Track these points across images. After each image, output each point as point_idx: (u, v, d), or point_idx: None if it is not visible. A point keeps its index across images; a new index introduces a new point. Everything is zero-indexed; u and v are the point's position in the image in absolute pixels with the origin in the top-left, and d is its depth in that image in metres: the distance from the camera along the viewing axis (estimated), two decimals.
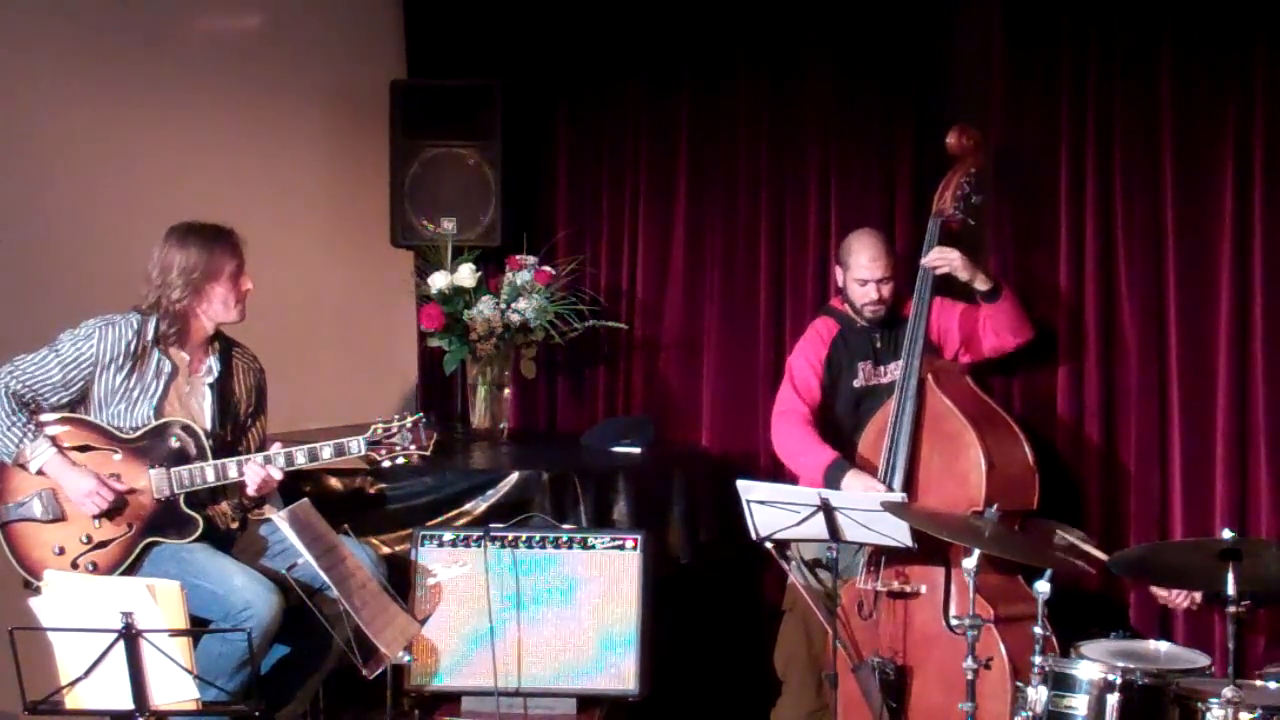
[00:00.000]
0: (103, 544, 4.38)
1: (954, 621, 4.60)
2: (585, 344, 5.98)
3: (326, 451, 4.46)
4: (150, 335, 4.43)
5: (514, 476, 5.10)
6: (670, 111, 5.95)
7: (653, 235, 6.01)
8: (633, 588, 4.72)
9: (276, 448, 4.46)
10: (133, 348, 4.41)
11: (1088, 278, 5.22)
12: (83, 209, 5.11)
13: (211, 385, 4.55)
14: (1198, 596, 4.64)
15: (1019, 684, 4.26)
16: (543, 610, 4.72)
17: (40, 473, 4.36)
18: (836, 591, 4.63)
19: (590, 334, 5.93)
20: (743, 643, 5.56)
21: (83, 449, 4.39)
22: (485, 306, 5.72)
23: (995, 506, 4.31)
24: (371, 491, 5.12)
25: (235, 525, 4.55)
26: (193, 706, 3.86)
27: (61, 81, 5.05)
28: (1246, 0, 4.96)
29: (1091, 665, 4.18)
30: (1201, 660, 4.35)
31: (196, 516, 4.42)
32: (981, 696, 4.28)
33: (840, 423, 5.12)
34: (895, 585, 4.73)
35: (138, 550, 4.39)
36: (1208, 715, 3.94)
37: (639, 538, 4.77)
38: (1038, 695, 4.13)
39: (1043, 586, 4.14)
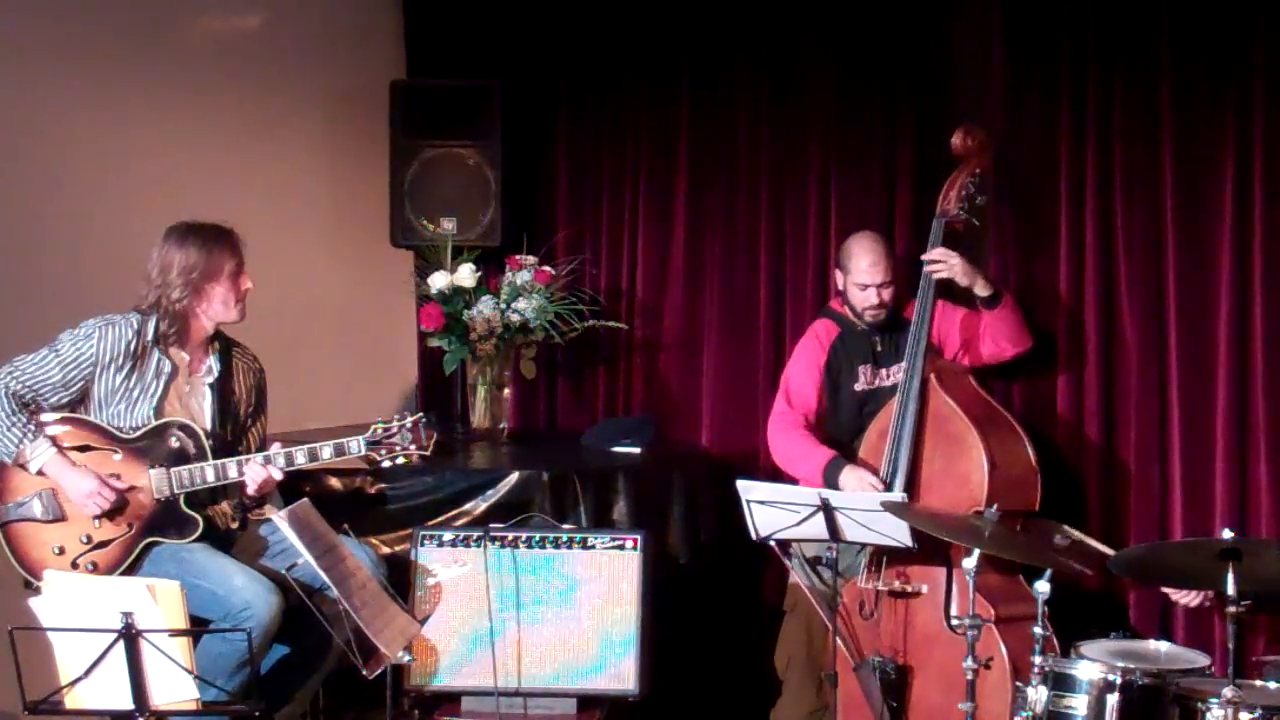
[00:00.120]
0: (103, 544, 4.38)
1: (955, 621, 4.60)
2: (585, 344, 5.98)
3: (326, 451, 4.46)
4: (150, 335, 4.43)
5: (514, 476, 5.11)
6: (670, 111, 5.95)
7: (653, 235, 6.01)
8: (633, 588, 4.72)
9: (276, 448, 4.46)
10: (133, 348, 4.41)
11: (1088, 278, 5.22)
12: (83, 209, 5.11)
13: (212, 385, 4.55)
14: (1211, 593, 4.63)
15: (1019, 684, 4.26)
16: (543, 610, 4.73)
17: (40, 473, 4.36)
18: (838, 590, 4.63)
19: (590, 334, 5.93)
20: (743, 643, 5.56)
21: (82, 449, 4.39)
22: (485, 306, 5.72)
23: (995, 506, 4.31)
24: (371, 491, 5.12)
25: (235, 525, 4.55)
26: (193, 706, 3.86)
27: (61, 82, 5.05)
28: (1246, 1, 4.96)
29: (1091, 665, 4.18)
30: (1201, 660, 4.35)
31: (196, 516, 4.42)
32: (981, 696, 4.28)
33: (844, 427, 5.12)
34: (896, 585, 4.73)
35: (138, 550, 4.39)
36: (1208, 715, 3.94)
37: (639, 538, 4.77)
38: (1038, 695, 4.13)
39: (1043, 586, 4.15)
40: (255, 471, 4.40)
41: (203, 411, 4.52)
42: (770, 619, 5.24)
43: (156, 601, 3.81)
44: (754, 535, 4.63)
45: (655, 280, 6.01)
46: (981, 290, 4.98)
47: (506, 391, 5.99)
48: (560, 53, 6.10)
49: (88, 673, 3.78)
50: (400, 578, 4.65)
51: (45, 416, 4.40)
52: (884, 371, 5.10)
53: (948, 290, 5.08)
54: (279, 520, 4.15)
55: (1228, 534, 4.00)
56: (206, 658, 4.12)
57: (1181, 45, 5.06)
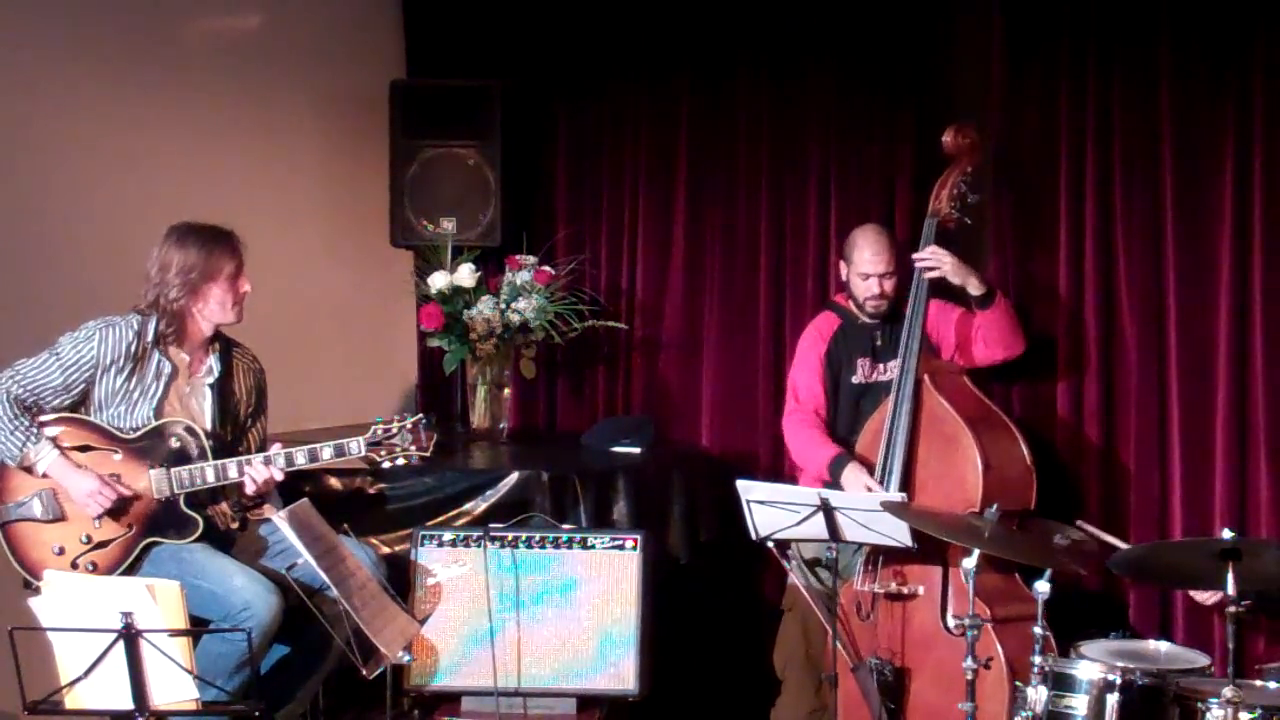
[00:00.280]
0: (102, 544, 4.38)
1: (951, 622, 4.60)
2: (585, 344, 5.98)
3: (326, 452, 4.46)
4: (150, 336, 4.43)
5: (514, 476, 5.11)
6: (670, 111, 5.95)
7: (653, 235, 6.01)
8: (633, 588, 4.73)
9: (276, 448, 4.46)
10: (133, 349, 4.41)
11: (1087, 278, 5.22)
12: (82, 210, 5.11)
13: (212, 385, 4.55)
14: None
15: (1018, 684, 4.26)
16: (542, 610, 4.73)
17: (45, 475, 4.36)
18: (836, 591, 4.63)
19: (590, 334, 5.93)
20: (743, 643, 5.56)
21: (83, 449, 4.39)
22: (485, 306, 5.72)
23: (995, 506, 4.31)
24: (371, 491, 5.12)
25: (235, 525, 4.55)
26: (193, 706, 3.86)
27: (61, 82, 5.05)
28: (1246, 1, 4.96)
29: (1091, 665, 4.18)
30: (1201, 660, 4.36)
31: (196, 516, 4.42)
32: (979, 697, 4.27)
33: (841, 419, 5.12)
34: (893, 586, 4.73)
35: (138, 550, 4.39)
36: (1207, 715, 3.94)
37: (639, 538, 4.78)
38: (1038, 695, 4.13)
39: (1043, 586, 4.14)
40: (256, 472, 4.40)
41: (203, 412, 4.52)
42: (770, 619, 5.25)
43: (156, 601, 3.80)
44: (754, 535, 4.63)
45: (655, 280, 6.01)
46: (974, 289, 4.96)
47: (506, 391, 5.99)
48: (560, 53, 6.10)
49: (88, 673, 3.78)
50: (400, 578, 4.65)
51: (45, 417, 4.39)
52: (882, 366, 5.10)
53: (945, 290, 5.08)
54: (279, 520, 4.15)
55: (1228, 534, 3.99)
56: (206, 658, 4.12)
57: (1181, 44, 5.06)
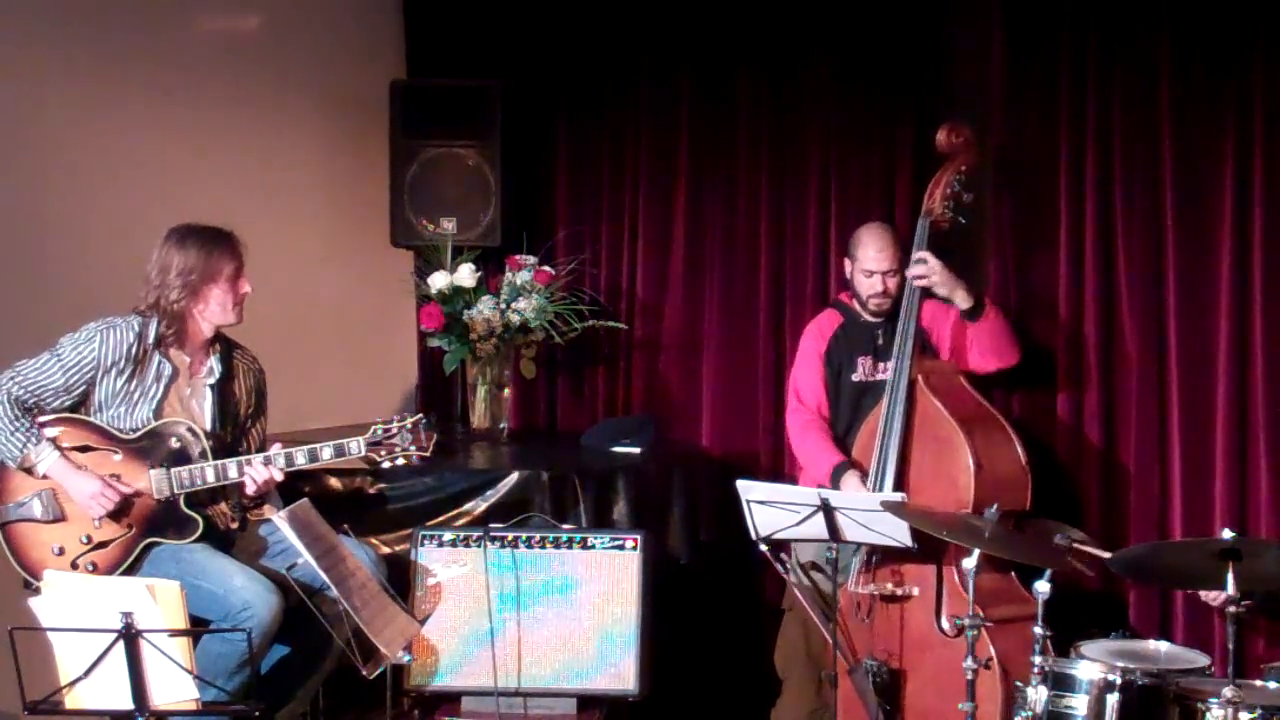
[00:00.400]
0: (102, 544, 4.38)
1: (944, 623, 4.61)
2: (585, 344, 5.99)
3: (326, 452, 4.46)
4: (151, 338, 4.43)
5: (514, 476, 5.11)
6: (670, 111, 5.95)
7: (653, 235, 6.01)
8: (633, 588, 4.73)
9: (276, 448, 4.46)
10: (134, 351, 4.41)
11: (1087, 278, 5.22)
12: (82, 211, 5.10)
13: (212, 386, 4.55)
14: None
15: (1019, 684, 4.26)
16: (542, 610, 4.72)
17: (45, 476, 4.36)
18: (835, 593, 4.63)
19: (590, 334, 5.93)
20: (743, 643, 5.56)
21: (83, 449, 4.39)
22: (485, 306, 5.72)
23: (996, 507, 4.31)
24: (371, 491, 5.12)
25: (235, 525, 4.55)
26: (193, 706, 3.86)
27: (61, 82, 5.05)
28: (1246, 1, 4.96)
29: (1091, 665, 4.18)
30: (1201, 660, 4.35)
31: (196, 517, 4.42)
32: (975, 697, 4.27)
33: (840, 417, 5.12)
34: (888, 588, 4.73)
35: (137, 550, 4.39)
36: (1207, 715, 3.95)
37: (639, 538, 4.77)
38: (1038, 695, 4.13)
39: (1042, 586, 4.14)
40: (256, 472, 4.40)
41: (203, 413, 4.52)
42: (770, 619, 5.25)
43: (156, 601, 3.80)
44: (754, 535, 4.62)
45: (655, 280, 6.01)
46: (961, 302, 4.93)
47: (506, 391, 5.99)
48: (560, 53, 6.10)
49: (88, 673, 3.78)
50: (400, 578, 4.65)
51: (44, 418, 4.39)
52: (883, 364, 5.09)
53: None
54: (279, 520, 4.15)
55: (1228, 534, 3.99)
56: (206, 658, 4.12)
57: (1181, 44, 5.06)
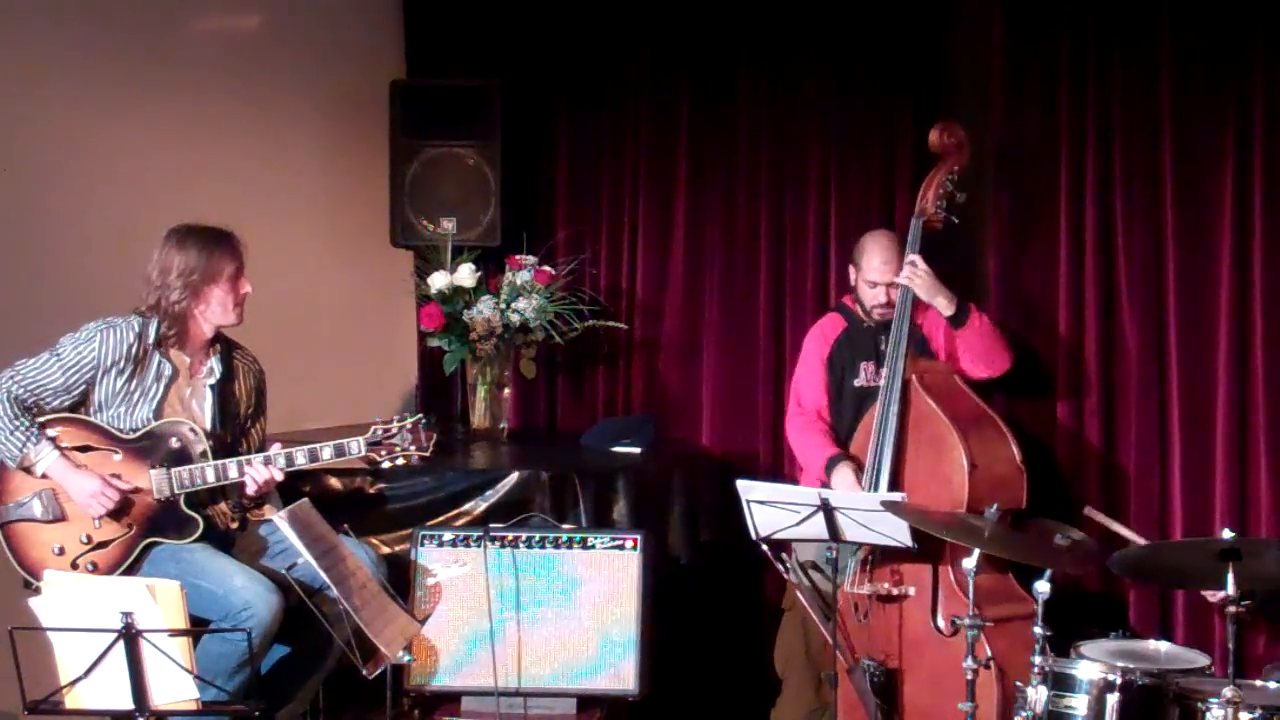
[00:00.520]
0: (103, 544, 4.38)
1: (941, 623, 4.61)
2: (585, 344, 5.99)
3: (326, 452, 4.46)
4: (151, 338, 4.43)
5: (514, 476, 5.11)
6: (670, 111, 5.96)
7: (653, 235, 6.01)
8: (633, 588, 4.72)
9: (276, 448, 4.45)
10: (134, 351, 4.41)
11: (1087, 277, 5.22)
12: (83, 210, 5.10)
13: (213, 387, 4.55)
14: None
15: (1019, 684, 4.26)
16: (543, 610, 4.72)
17: (45, 476, 4.36)
18: (834, 593, 4.63)
19: (590, 334, 5.93)
20: (743, 643, 5.57)
21: (83, 449, 4.39)
22: (485, 306, 5.72)
23: (995, 506, 4.31)
24: (371, 491, 5.12)
25: (235, 525, 4.55)
26: (193, 706, 3.86)
27: (61, 83, 5.05)
28: (1246, 1, 4.96)
29: (1091, 665, 4.18)
30: (1201, 660, 4.35)
31: (196, 517, 4.42)
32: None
33: (843, 421, 5.12)
34: (884, 588, 4.73)
35: (138, 550, 4.39)
36: (1207, 715, 3.94)
37: (639, 538, 4.77)
38: (1038, 695, 4.13)
39: (1042, 586, 4.14)
40: (256, 472, 4.40)
41: (203, 413, 4.52)
42: (770, 619, 5.25)
43: (156, 601, 3.80)
44: (754, 535, 4.62)
45: (655, 280, 6.01)
46: (944, 309, 4.90)
47: (506, 391, 5.99)
48: (560, 53, 6.10)
49: (88, 673, 3.78)
50: (400, 578, 4.65)
51: (44, 417, 4.39)
52: (885, 371, 5.09)
53: None
54: (279, 520, 4.14)
55: (1228, 534, 3.99)
56: (206, 658, 4.12)
57: (1181, 44, 5.06)
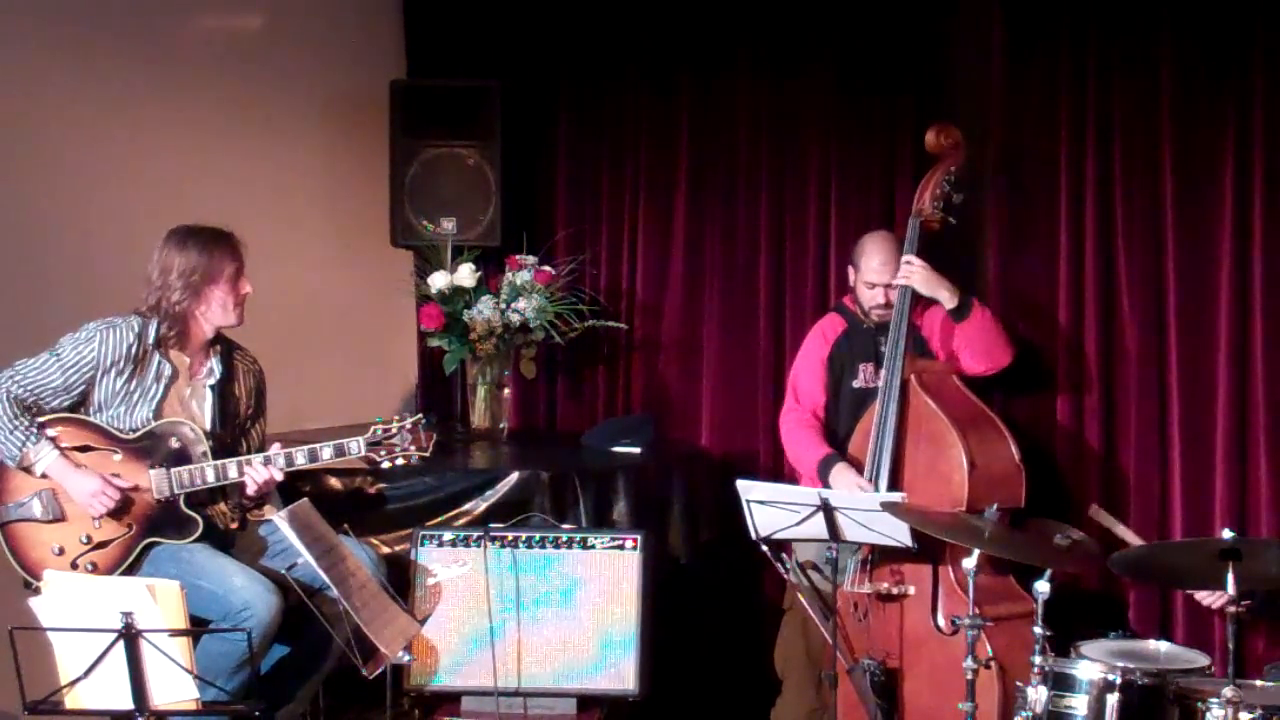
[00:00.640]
0: (102, 544, 4.38)
1: (941, 622, 4.60)
2: (585, 344, 5.99)
3: (326, 452, 4.46)
4: (151, 338, 4.43)
5: (514, 476, 5.11)
6: (670, 112, 5.96)
7: (653, 235, 6.01)
8: (633, 588, 4.73)
9: (276, 448, 4.46)
10: (134, 351, 4.41)
11: (1087, 278, 5.22)
12: (83, 211, 5.10)
13: (213, 387, 4.55)
14: None
15: (1019, 683, 4.26)
16: (543, 610, 4.73)
17: (44, 476, 4.36)
18: (834, 593, 4.63)
19: (590, 334, 5.93)
20: (743, 643, 5.56)
21: (83, 449, 4.39)
22: (485, 306, 5.72)
23: (995, 506, 4.31)
24: (371, 491, 5.12)
25: (235, 525, 4.55)
26: (193, 706, 3.86)
27: (61, 83, 5.05)
28: (1246, 1, 4.97)
29: (1091, 665, 4.18)
30: (1201, 660, 4.35)
31: (196, 517, 4.42)
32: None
33: (842, 422, 5.11)
34: (884, 587, 4.73)
35: (137, 550, 4.39)
36: (1207, 715, 3.94)
37: (639, 538, 4.78)
38: (1038, 695, 4.13)
39: (1042, 586, 4.14)
40: (256, 472, 4.40)
41: (203, 414, 4.52)
42: (770, 619, 5.25)
43: (156, 601, 3.80)
44: (754, 535, 4.62)
45: (655, 280, 6.01)
46: (947, 302, 4.90)
47: (506, 391, 5.99)
48: (560, 53, 6.10)
49: (88, 673, 3.78)
50: (400, 578, 4.65)
51: (44, 417, 4.39)
52: (884, 371, 5.09)
53: None
54: (279, 520, 4.14)
55: (1228, 534, 3.99)
56: (206, 658, 4.12)
57: (1181, 44, 5.06)
